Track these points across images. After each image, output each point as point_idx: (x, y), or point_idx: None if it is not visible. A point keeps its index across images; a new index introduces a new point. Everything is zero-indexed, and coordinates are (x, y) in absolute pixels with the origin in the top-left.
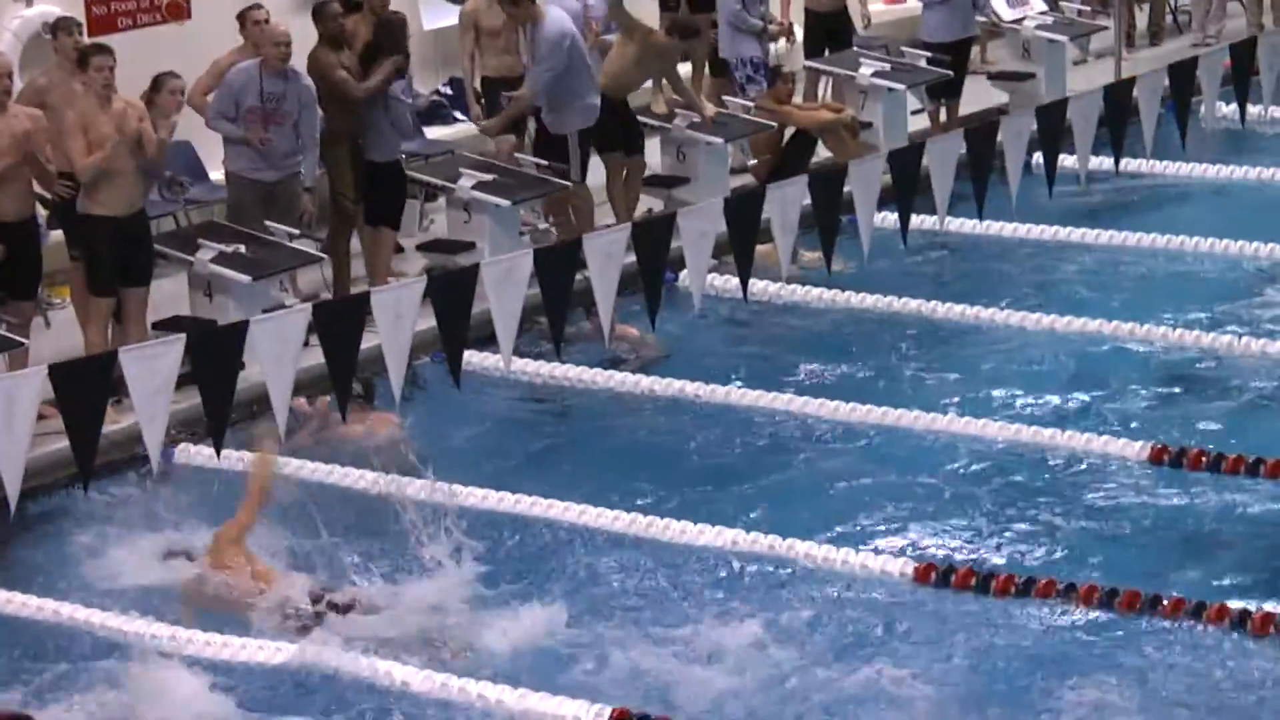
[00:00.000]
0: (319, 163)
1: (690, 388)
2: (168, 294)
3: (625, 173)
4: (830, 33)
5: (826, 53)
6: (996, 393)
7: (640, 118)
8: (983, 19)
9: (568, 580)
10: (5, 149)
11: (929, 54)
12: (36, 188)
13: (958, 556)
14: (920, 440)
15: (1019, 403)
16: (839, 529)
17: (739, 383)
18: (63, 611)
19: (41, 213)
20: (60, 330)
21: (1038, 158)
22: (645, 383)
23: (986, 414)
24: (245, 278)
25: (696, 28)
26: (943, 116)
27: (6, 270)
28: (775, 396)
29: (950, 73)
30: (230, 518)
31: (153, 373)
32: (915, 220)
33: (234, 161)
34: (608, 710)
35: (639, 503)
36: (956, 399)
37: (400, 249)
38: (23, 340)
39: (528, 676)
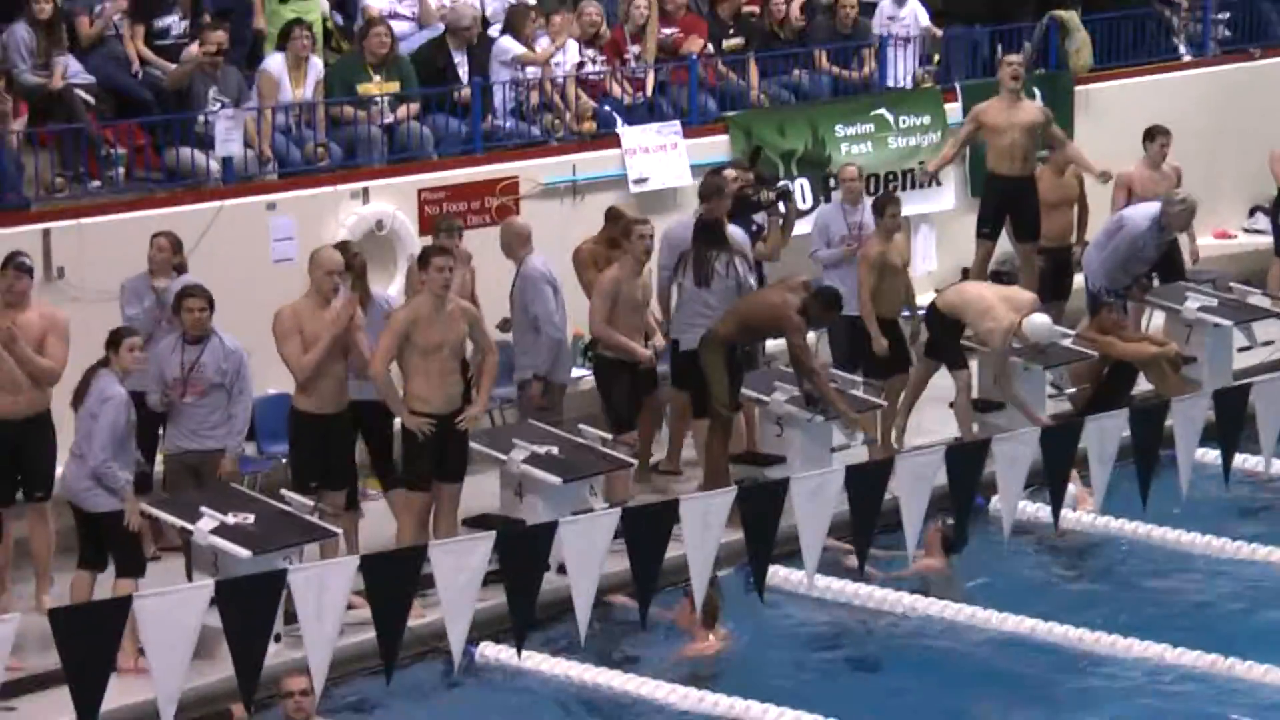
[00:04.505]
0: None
1: (994, 617)
2: (480, 490)
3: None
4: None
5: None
6: None
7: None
8: None
9: None
10: (320, 341)
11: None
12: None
13: None
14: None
15: None
16: None
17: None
18: None
19: None
20: (373, 520)
21: None
22: (944, 609)
23: None
24: (556, 479)
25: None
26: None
27: (320, 461)
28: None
29: None
30: None
31: (460, 568)
32: (1238, 459)
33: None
34: None
35: None
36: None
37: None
38: (335, 530)
39: None
